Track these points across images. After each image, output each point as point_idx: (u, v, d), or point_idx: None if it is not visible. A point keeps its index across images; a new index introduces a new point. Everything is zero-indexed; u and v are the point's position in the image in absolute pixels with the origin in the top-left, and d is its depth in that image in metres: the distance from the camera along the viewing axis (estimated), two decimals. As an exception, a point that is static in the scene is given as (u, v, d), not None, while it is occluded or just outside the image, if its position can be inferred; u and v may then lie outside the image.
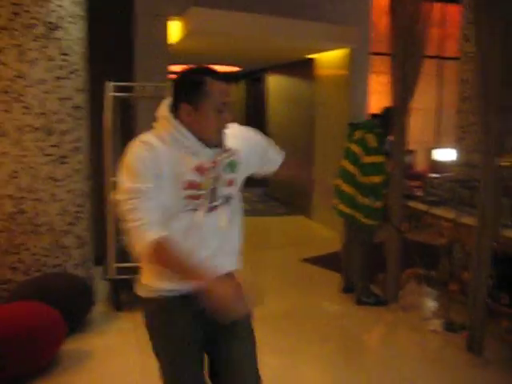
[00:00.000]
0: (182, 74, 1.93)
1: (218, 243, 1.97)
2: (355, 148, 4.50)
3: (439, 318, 4.22)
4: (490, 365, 3.54)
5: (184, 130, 1.86)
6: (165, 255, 1.81)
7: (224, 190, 1.95)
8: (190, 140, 1.86)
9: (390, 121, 4.47)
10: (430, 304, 4.72)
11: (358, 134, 4.53)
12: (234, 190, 2.02)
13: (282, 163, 2.34)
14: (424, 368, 3.58)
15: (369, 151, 4.40)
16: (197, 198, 1.87)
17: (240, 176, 2.04)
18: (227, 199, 1.98)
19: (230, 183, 1.97)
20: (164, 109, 1.93)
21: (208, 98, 1.83)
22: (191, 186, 1.85)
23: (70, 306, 3.74)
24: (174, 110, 1.90)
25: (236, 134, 2.02)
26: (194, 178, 1.85)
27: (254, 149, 2.14)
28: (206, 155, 1.87)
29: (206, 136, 1.87)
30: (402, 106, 4.33)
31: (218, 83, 1.84)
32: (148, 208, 1.79)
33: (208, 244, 1.94)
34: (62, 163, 4.00)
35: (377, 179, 4.38)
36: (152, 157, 1.82)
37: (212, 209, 1.92)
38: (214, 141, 1.90)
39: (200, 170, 1.86)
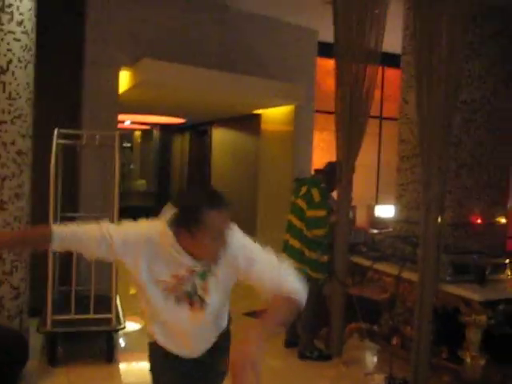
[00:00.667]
0: (181, 198, 2.00)
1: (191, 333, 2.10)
2: (301, 203, 4.59)
3: (381, 373, 4.25)
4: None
5: (180, 249, 1.88)
6: None
7: (199, 294, 1.98)
8: (185, 258, 1.89)
9: (333, 176, 4.61)
10: (373, 359, 4.76)
11: (303, 190, 4.63)
12: (211, 297, 2.00)
13: None
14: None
15: (312, 205, 4.50)
16: (173, 290, 1.96)
17: (215, 284, 2.01)
18: (202, 303, 2.00)
19: (204, 289, 1.99)
20: (164, 225, 1.90)
21: (204, 228, 1.83)
22: (165, 285, 1.95)
23: (2, 360, 3.54)
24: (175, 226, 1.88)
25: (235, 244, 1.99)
26: (169, 280, 1.94)
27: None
28: (187, 265, 1.91)
29: (200, 257, 1.90)
30: (347, 163, 4.46)
31: (214, 212, 1.84)
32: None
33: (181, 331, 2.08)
34: (2, 209, 3.85)
35: (319, 232, 4.47)
36: (145, 243, 1.93)
37: (189, 303, 2.00)
38: (209, 259, 1.93)
39: (176, 277, 1.94)
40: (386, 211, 8.13)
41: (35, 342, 4.34)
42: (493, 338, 3.53)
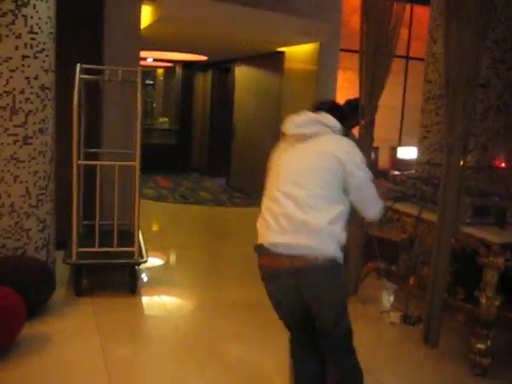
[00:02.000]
0: None
1: None
2: None
3: (397, 311, 4.34)
4: (444, 356, 3.67)
5: None
6: None
7: None
8: None
9: (352, 114, 4.54)
10: (389, 297, 4.84)
11: None
12: None
13: None
14: (381, 359, 3.68)
15: None
16: None
17: None
18: None
19: None
20: None
21: None
22: None
23: (30, 290, 3.69)
24: None
25: None
26: None
27: None
28: None
29: None
30: (369, 103, 4.40)
31: None
32: None
33: None
34: (26, 144, 3.92)
35: None
36: None
37: None
38: None
39: None
40: (408, 153, 8.06)
41: (62, 273, 4.51)
42: (509, 280, 3.55)
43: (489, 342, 3.44)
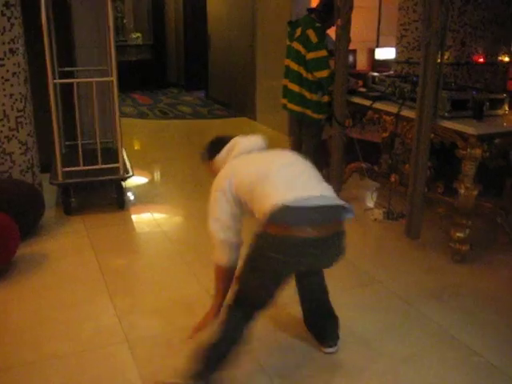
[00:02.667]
0: None
1: None
2: (297, 46, 4.52)
3: (380, 208, 4.49)
4: (426, 247, 3.86)
5: None
6: None
7: None
8: None
9: (328, 13, 4.48)
10: (372, 196, 4.98)
11: (298, 32, 4.55)
12: None
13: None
14: (367, 252, 3.87)
15: (311, 47, 4.43)
16: None
17: None
18: None
19: None
20: None
21: None
22: None
23: (21, 211, 3.74)
24: None
25: None
26: None
27: None
28: None
29: None
30: (345, 2, 4.30)
31: None
32: None
33: None
34: (-1, 66, 3.84)
35: (323, 74, 4.43)
36: None
37: None
38: None
39: None
40: (386, 54, 7.99)
41: (49, 196, 4.56)
42: (486, 170, 3.67)
43: (467, 231, 3.60)
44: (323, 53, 4.42)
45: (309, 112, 4.59)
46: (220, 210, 2.38)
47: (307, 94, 4.56)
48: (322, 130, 4.80)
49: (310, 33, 4.42)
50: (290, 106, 4.72)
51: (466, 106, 3.63)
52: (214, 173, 2.53)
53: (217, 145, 2.62)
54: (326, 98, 4.56)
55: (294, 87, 4.62)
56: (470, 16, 4.78)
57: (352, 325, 2.90)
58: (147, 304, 3.11)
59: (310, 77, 4.50)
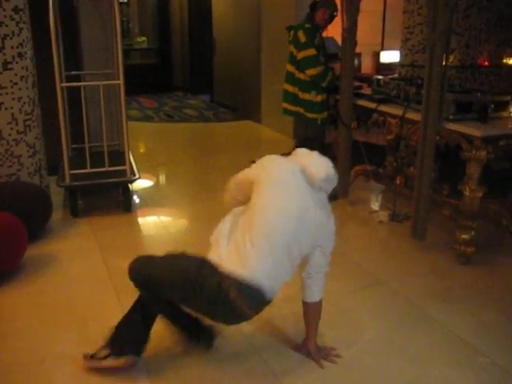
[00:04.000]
0: None
1: None
2: (291, 48, 4.70)
3: (385, 210, 4.50)
4: (431, 248, 3.87)
5: None
6: None
7: None
8: None
9: (314, 13, 4.64)
10: (377, 198, 5.00)
11: (291, 34, 4.71)
12: None
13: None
14: (373, 254, 3.87)
15: (300, 46, 4.57)
16: None
17: None
18: None
19: None
20: None
21: None
22: None
23: (29, 213, 3.77)
24: None
25: None
26: None
27: None
28: None
29: None
30: (351, 5, 4.34)
31: None
32: None
33: None
34: (6, 70, 3.87)
35: (313, 71, 4.54)
36: None
37: None
38: None
39: None
40: (391, 57, 8.00)
41: (56, 198, 4.58)
42: (491, 172, 3.68)
43: (472, 233, 3.61)
44: (312, 51, 4.54)
45: (301, 110, 4.72)
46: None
47: (299, 93, 4.70)
48: (321, 132, 4.84)
49: (300, 33, 4.58)
50: (285, 105, 4.88)
51: (471, 109, 3.65)
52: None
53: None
54: (319, 98, 4.63)
55: (288, 87, 4.81)
56: (475, 19, 4.80)
57: (358, 325, 2.92)
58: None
59: (302, 76, 4.64)
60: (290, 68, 4.74)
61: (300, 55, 4.58)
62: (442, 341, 2.80)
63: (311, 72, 4.54)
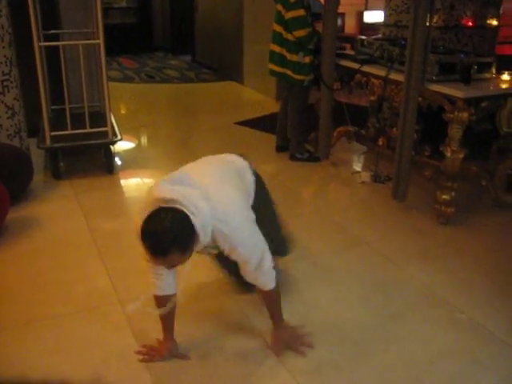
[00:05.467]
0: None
1: None
2: (279, 7, 4.58)
3: (368, 171, 4.53)
4: (412, 209, 3.92)
5: None
6: None
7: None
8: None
9: None
10: (359, 159, 5.03)
11: None
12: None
13: None
14: (354, 214, 3.92)
15: (288, 6, 4.46)
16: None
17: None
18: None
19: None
20: None
21: None
22: None
23: (10, 175, 3.72)
24: None
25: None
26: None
27: None
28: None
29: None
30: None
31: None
32: None
33: None
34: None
35: (302, 33, 4.46)
36: None
37: None
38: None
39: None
40: (375, 17, 7.93)
41: (37, 160, 4.51)
42: (473, 134, 3.71)
43: (453, 193, 3.66)
44: (301, 12, 4.45)
45: (289, 72, 4.64)
46: None
47: (287, 55, 4.62)
48: (306, 93, 4.81)
49: None
50: (271, 66, 4.80)
51: (454, 70, 3.65)
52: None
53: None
54: (307, 59, 4.57)
55: (275, 48, 4.70)
56: (459, -22, 4.75)
57: (340, 285, 2.97)
58: (139, 265, 3.13)
59: (289, 37, 4.55)
60: (278, 28, 4.61)
61: (288, 15, 4.46)
62: (422, 298, 2.87)
63: (299, 33, 4.45)
